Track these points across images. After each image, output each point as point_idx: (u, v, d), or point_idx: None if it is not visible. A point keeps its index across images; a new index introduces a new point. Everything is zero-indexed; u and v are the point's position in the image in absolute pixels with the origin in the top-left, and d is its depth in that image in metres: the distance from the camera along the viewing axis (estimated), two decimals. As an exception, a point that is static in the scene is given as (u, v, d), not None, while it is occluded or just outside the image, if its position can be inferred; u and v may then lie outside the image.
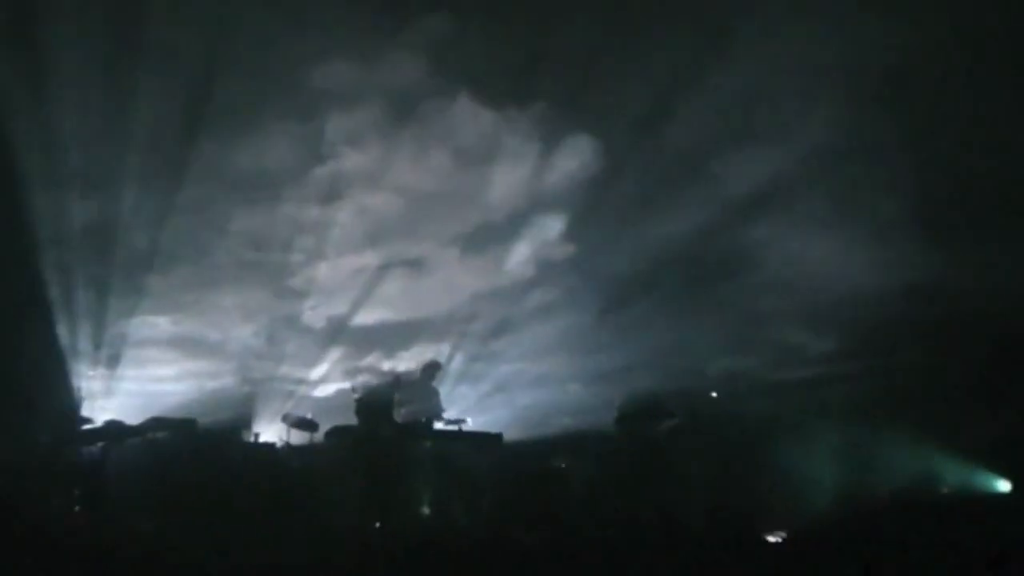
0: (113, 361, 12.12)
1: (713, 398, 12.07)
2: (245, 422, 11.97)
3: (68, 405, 11.60)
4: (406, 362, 12.95)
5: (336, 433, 11.50)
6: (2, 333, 11.15)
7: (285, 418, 11.37)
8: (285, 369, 12.61)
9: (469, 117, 13.04)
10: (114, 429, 11.12)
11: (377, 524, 10.65)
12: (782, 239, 12.65)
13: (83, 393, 11.81)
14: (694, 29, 12.26)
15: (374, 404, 11.39)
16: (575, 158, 13.04)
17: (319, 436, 11.30)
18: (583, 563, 9.55)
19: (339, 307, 12.99)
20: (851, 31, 12.11)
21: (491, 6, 12.82)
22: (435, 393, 11.91)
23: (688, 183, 12.37)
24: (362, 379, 12.02)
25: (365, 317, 13.03)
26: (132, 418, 11.29)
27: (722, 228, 12.71)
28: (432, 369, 12.06)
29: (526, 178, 13.11)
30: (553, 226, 13.07)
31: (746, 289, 12.76)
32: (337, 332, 12.82)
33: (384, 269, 13.21)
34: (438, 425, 11.72)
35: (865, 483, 11.24)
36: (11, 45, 11.35)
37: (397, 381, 11.69)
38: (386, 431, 11.22)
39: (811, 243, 12.68)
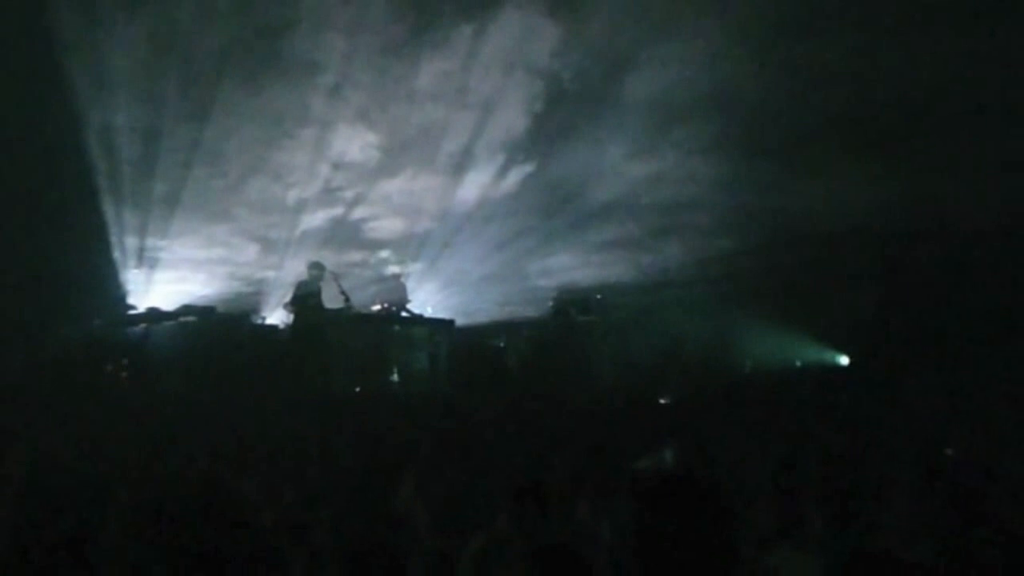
0: (153, 262, 13.39)
1: (625, 297, 13.56)
2: (255, 309, 13.36)
3: (118, 295, 12.97)
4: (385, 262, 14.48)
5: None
6: (71, 241, 12.23)
7: (285, 306, 12.41)
8: (288, 267, 13.73)
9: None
10: (153, 314, 12.31)
11: (357, 388, 11.99)
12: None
13: (129, 286, 13.15)
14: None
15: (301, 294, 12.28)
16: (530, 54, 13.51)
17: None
18: (518, 419, 10.20)
19: (333, 217, 14.32)
20: None
21: None
22: (403, 287, 13.38)
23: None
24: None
25: (357, 227, 14.53)
26: (167, 306, 12.54)
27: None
28: (397, 274, 13.71)
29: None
30: (510, 142, 13.99)
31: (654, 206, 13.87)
32: (329, 238, 14.13)
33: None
34: (404, 314, 12.98)
35: (737, 359, 13.55)
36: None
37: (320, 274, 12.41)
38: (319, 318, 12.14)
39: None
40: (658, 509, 2.47)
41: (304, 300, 12.11)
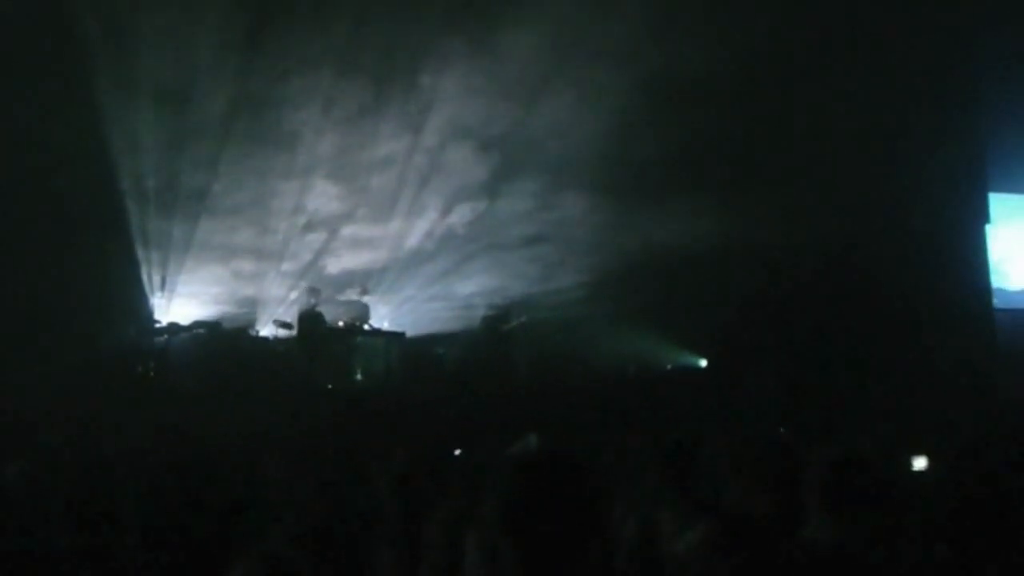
0: (172, 290, 14.84)
1: (541, 307, 15.04)
2: (251, 324, 14.76)
3: (147, 314, 14.43)
4: (350, 290, 15.34)
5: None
6: (116, 275, 14.06)
7: (274, 322, 14.15)
8: (272, 295, 15.41)
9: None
10: (173, 328, 13.74)
11: (329, 386, 13.38)
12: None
13: (155, 307, 14.59)
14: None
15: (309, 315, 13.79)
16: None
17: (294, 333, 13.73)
18: (456, 408, 11.72)
19: (309, 254, 15.89)
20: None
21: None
22: (365, 308, 14.76)
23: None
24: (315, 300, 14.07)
25: (328, 263, 15.99)
26: (184, 321, 14.03)
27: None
28: (362, 298, 14.96)
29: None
30: (447, 193, 15.76)
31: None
32: (306, 271, 15.60)
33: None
34: (367, 327, 14.45)
35: (621, 360, 14.88)
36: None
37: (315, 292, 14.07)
38: (324, 332, 13.70)
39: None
40: (522, 485, 2.58)
41: (307, 318, 13.81)
